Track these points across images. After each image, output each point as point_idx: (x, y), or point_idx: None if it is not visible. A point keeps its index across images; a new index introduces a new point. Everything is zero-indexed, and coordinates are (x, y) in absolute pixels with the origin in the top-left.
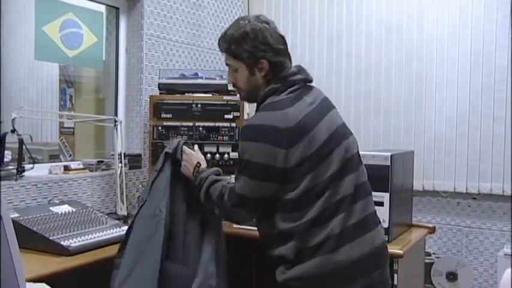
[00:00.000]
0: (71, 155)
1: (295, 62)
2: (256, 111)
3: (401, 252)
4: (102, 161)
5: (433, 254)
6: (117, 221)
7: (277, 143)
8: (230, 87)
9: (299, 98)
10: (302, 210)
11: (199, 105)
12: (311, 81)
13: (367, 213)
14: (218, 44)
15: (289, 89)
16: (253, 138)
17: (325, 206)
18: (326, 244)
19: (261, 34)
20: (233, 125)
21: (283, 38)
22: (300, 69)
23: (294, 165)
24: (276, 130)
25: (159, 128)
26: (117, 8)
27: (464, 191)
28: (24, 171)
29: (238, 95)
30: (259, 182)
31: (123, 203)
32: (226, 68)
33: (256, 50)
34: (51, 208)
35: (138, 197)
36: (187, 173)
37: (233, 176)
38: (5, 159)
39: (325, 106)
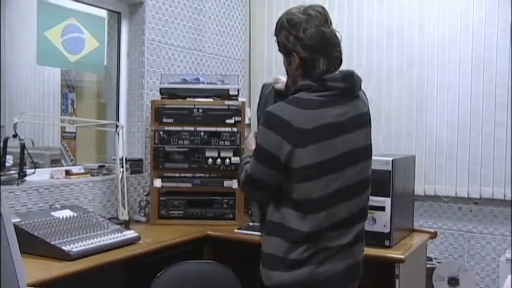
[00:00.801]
0: (72, 160)
1: None
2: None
3: (402, 257)
4: (103, 166)
5: (435, 259)
6: (118, 226)
7: (286, 138)
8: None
9: (329, 105)
10: (305, 215)
11: (200, 110)
12: (353, 92)
13: (357, 234)
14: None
15: (324, 93)
16: (268, 125)
17: (321, 224)
18: (316, 256)
19: (296, 27)
20: (234, 129)
21: (324, 34)
22: (346, 77)
23: (297, 167)
24: (289, 126)
25: (161, 132)
26: (119, 13)
27: (466, 196)
28: (25, 175)
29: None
30: (264, 167)
31: (124, 208)
32: (228, 72)
33: (287, 42)
34: (52, 213)
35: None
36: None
37: (235, 181)
38: (7, 164)
39: (354, 123)
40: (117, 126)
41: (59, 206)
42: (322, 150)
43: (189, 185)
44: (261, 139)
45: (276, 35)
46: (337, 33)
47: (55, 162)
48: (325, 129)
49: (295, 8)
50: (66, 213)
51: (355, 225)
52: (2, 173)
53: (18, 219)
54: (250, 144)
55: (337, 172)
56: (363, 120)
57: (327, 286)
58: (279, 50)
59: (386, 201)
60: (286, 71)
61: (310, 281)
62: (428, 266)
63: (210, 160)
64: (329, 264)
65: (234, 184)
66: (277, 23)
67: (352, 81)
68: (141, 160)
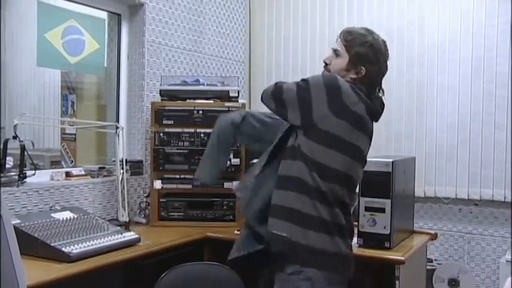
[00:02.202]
0: (72, 161)
1: (295, 67)
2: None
3: (402, 258)
4: (103, 167)
5: (435, 260)
6: (118, 228)
7: (330, 102)
8: (322, 65)
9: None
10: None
11: (200, 112)
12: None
13: None
14: (342, 32)
15: (366, 97)
16: (322, 76)
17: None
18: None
19: (379, 51)
20: None
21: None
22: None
23: (325, 130)
24: (339, 91)
25: (161, 134)
26: (119, 15)
27: (466, 197)
28: (25, 177)
29: (324, 68)
30: (296, 96)
31: (124, 210)
32: (228, 74)
33: (363, 55)
34: (52, 214)
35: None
36: None
37: (235, 183)
38: (7, 166)
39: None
40: (117, 127)
41: (59, 208)
42: (352, 132)
43: (189, 186)
44: (314, 84)
45: (352, 44)
46: None
47: (55, 163)
48: (361, 119)
49: (375, 34)
50: (66, 214)
51: None
52: (2, 175)
53: (18, 221)
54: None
55: (355, 161)
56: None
57: None
58: (349, 55)
59: (387, 203)
60: (326, 64)
61: None
62: (428, 267)
63: None
64: None
65: (234, 185)
66: (358, 38)
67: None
68: (141, 162)
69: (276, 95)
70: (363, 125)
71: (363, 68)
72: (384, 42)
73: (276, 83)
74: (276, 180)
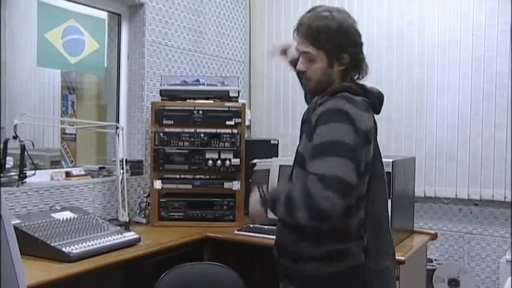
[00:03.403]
0: (72, 161)
1: None
2: (322, 96)
3: (403, 258)
4: (103, 167)
5: (435, 260)
6: (118, 228)
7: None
8: (299, 69)
9: (367, 110)
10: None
11: (200, 112)
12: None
13: None
14: (298, 28)
15: (364, 97)
16: (337, 119)
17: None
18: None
19: (348, 29)
20: (235, 131)
21: (360, 33)
22: (377, 93)
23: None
24: (352, 122)
25: (161, 134)
26: (119, 15)
27: (466, 197)
28: (25, 177)
29: (301, 83)
30: (349, 162)
31: (124, 209)
32: (228, 74)
33: (342, 43)
34: (52, 214)
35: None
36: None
37: (235, 182)
38: (7, 166)
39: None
40: (117, 127)
41: (59, 208)
42: (368, 153)
43: (189, 186)
44: (334, 134)
45: (320, 38)
46: None
47: (55, 163)
48: (371, 133)
49: (332, 11)
50: (66, 214)
51: None
52: (2, 175)
53: (18, 221)
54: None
55: (369, 174)
56: None
57: None
58: (324, 51)
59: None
60: (303, 73)
61: None
62: (428, 267)
63: (210, 162)
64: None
65: (234, 185)
66: (320, 27)
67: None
68: (141, 162)
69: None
70: (370, 138)
71: (345, 55)
72: (344, 10)
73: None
74: None
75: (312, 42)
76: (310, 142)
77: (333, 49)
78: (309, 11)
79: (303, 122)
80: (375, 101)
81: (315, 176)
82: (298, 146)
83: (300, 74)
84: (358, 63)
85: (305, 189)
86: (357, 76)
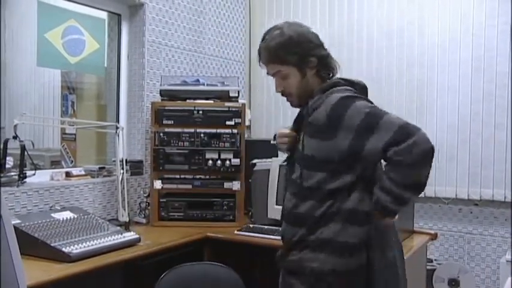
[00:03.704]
0: (72, 161)
1: None
2: (313, 97)
3: None
4: (103, 167)
5: (435, 260)
6: (118, 228)
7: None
8: (278, 91)
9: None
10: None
11: (200, 112)
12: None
13: None
14: (260, 56)
15: (352, 88)
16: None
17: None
18: None
19: (303, 35)
20: (234, 131)
21: (317, 34)
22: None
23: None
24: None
25: (161, 134)
26: (119, 15)
27: (466, 198)
28: (25, 177)
29: (289, 102)
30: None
31: (124, 210)
32: (228, 74)
33: (303, 50)
34: (52, 214)
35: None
36: None
37: (235, 182)
38: (7, 166)
39: None
40: (117, 127)
41: (59, 208)
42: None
43: (189, 186)
44: (362, 107)
45: (282, 55)
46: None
47: (55, 163)
48: None
49: (281, 27)
50: (66, 214)
51: None
52: (2, 175)
53: (18, 221)
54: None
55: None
56: None
57: None
58: (292, 65)
59: None
60: (283, 92)
61: None
62: (428, 267)
63: (210, 162)
64: None
65: (234, 186)
66: (277, 46)
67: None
68: (141, 162)
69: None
70: None
71: (311, 59)
72: (294, 22)
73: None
74: None
75: (276, 62)
76: (324, 141)
77: (297, 59)
78: (262, 39)
79: (302, 123)
80: (362, 91)
81: (400, 126)
82: (301, 148)
83: (284, 95)
84: (326, 62)
85: (405, 149)
86: (330, 74)
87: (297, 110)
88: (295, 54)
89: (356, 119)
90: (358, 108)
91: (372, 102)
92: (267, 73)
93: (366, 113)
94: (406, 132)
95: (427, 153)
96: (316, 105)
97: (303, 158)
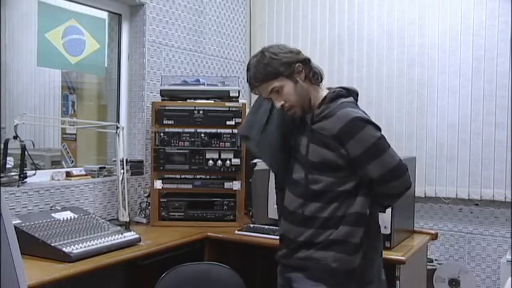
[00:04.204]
0: (73, 161)
1: None
2: (320, 106)
3: (403, 258)
4: (104, 167)
5: (435, 260)
6: (119, 227)
7: None
8: (283, 106)
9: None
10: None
11: (201, 112)
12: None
13: None
14: (251, 84)
15: (351, 98)
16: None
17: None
18: None
19: (280, 49)
20: (235, 131)
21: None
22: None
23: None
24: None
25: (161, 134)
26: (120, 15)
27: (467, 197)
28: (26, 177)
29: (294, 115)
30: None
31: (125, 209)
32: (228, 74)
33: (287, 59)
34: (53, 214)
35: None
36: None
37: (235, 182)
38: (7, 166)
39: None
40: (117, 127)
41: (59, 208)
42: None
43: (190, 186)
44: (373, 134)
45: (271, 71)
46: None
47: (56, 163)
48: None
49: (261, 51)
50: (67, 214)
51: None
52: (2, 175)
53: (18, 221)
54: None
55: None
56: None
57: None
58: (282, 76)
59: None
60: (283, 106)
61: None
62: (429, 267)
63: (210, 162)
64: None
65: (235, 185)
66: (266, 67)
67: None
68: (141, 162)
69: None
70: None
71: (296, 65)
72: (273, 44)
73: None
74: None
75: (268, 79)
76: (332, 151)
77: (284, 69)
78: (247, 70)
79: (303, 129)
80: (356, 98)
81: (394, 167)
82: (304, 152)
83: (286, 110)
84: (309, 65)
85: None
86: (318, 77)
87: None
88: (281, 65)
89: (366, 143)
90: (370, 133)
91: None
92: (264, 97)
93: (374, 141)
94: (397, 174)
95: (403, 193)
96: (325, 114)
97: (308, 162)
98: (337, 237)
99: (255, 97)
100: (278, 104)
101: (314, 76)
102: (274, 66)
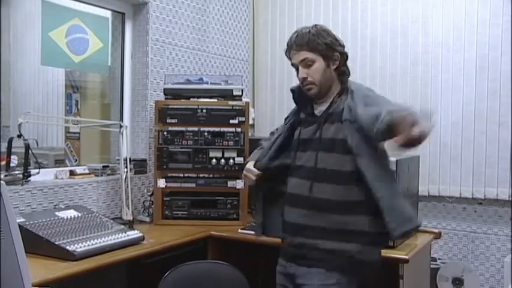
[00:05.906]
0: (76, 160)
1: None
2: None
3: (407, 257)
4: (107, 166)
5: (439, 259)
6: (122, 226)
7: None
8: (302, 81)
9: None
10: None
11: (204, 110)
12: None
13: None
14: (290, 47)
15: None
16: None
17: None
18: None
19: (332, 33)
20: (238, 130)
21: None
22: None
23: None
24: None
25: (165, 133)
26: (123, 14)
27: (470, 196)
28: (30, 176)
29: (308, 91)
30: None
31: (128, 208)
32: (231, 73)
33: (332, 43)
34: (56, 213)
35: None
36: None
37: (239, 181)
38: (11, 164)
39: None
40: (121, 126)
41: (63, 206)
42: None
43: (193, 185)
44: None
45: (312, 41)
46: None
47: (59, 162)
48: None
49: (316, 24)
50: (71, 213)
51: None
52: (6, 173)
53: (22, 219)
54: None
55: None
56: None
57: None
58: (319, 53)
59: None
60: (304, 80)
61: None
62: (432, 266)
63: (214, 160)
64: None
65: (238, 184)
66: (309, 34)
67: None
68: (145, 160)
69: None
70: None
71: (336, 53)
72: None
73: None
74: None
75: (307, 48)
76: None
77: (325, 49)
78: (295, 33)
79: (312, 120)
80: None
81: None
82: (318, 135)
83: (303, 84)
84: (345, 62)
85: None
86: (345, 77)
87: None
88: (324, 44)
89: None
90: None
91: None
92: (292, 64)
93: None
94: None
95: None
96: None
97: (319, 141)
98: (356, 227)
99: (258, 96)
100: (302, 75)
101: (343, 72)
102: (318, 42)
